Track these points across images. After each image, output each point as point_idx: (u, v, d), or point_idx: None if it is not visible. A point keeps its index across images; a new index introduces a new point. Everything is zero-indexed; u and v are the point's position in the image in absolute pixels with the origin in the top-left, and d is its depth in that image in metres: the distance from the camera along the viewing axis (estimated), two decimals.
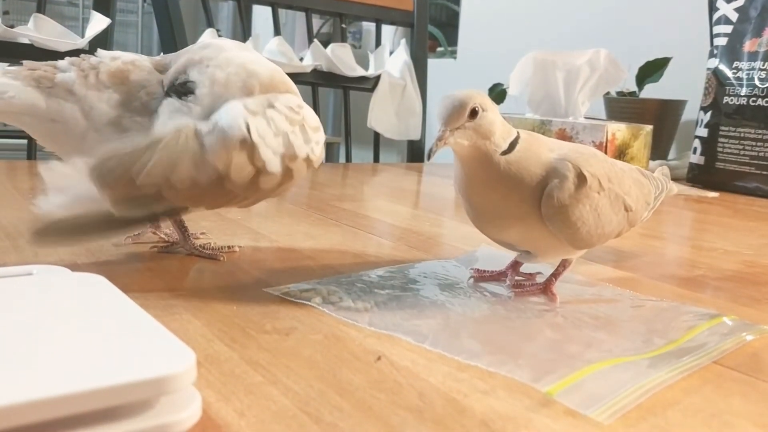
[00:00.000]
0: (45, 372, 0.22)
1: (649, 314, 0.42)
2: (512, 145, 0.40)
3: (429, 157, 0.39)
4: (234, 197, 0.44)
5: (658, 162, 1.26)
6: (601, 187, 0.42)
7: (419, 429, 0.26)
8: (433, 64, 1.69)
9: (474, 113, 0.39)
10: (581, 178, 0.40)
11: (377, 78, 1.35)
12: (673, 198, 0.52)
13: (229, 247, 0.52)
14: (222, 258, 0.49)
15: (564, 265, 0.45)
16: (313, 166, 0.46)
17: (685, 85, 1.42)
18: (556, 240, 0.42)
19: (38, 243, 0.42)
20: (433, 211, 0.77)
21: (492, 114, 0.40)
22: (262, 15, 1.65)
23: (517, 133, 0.41)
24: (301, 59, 1.28)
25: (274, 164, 0.43)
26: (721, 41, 1.11)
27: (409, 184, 1.01)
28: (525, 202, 0.40)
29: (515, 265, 0.47)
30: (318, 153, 0.46)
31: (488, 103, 0.40)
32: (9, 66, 0.46)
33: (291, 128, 0.44)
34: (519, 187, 0.40)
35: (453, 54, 2.36)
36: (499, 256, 0.50)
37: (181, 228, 0.50)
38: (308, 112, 0.46)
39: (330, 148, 2.82)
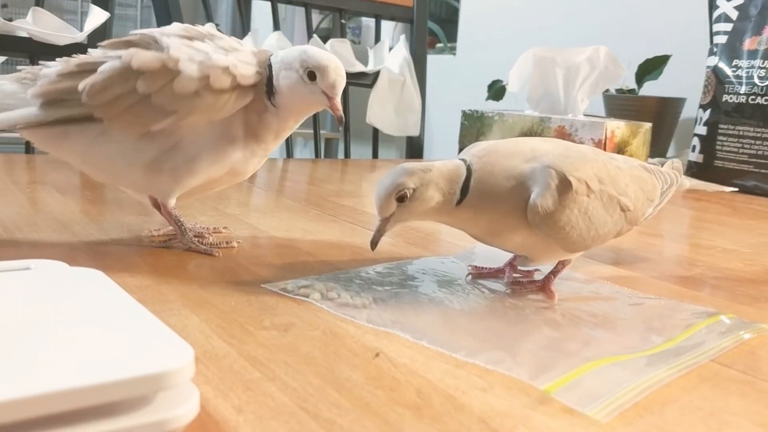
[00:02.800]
0: (42, 367, 0.22)
1: (647, 312, 0.42)
2: (466, 187, 0.40)
3: (373, 248, 0.41)
4: (150, 105, 0.45)
5: (656, 160, 1.26)
6: (590, 190, 0.41)
7: (417, 426, 0.26)
8: (433, 60, 1.69)
9: (401, 199, 0.40)
10: (566, 184, 0.40)
11: (376, 74, 1.35)
12: (673, 196, 0.51)
13: (227, 242, 0.52)
14: (218, 253, 0.49)
15: (563, 263, 0.45)
16: (239, 83, 0.46)
17: (684, 82, 1.42)
18: (551, 245, 0.42)
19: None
20: None
21: (423, 189, 0.39)
22: (261, 9, 1.64)
23: (467, 169, 0.40)
24: None
25: (189, 67, 0.45)
26: (721, 39, 1.11)
27: None
28: (509, 216, 0.40)
29: (513, 263, 0.47)
30: (245, 73, 0.46)
31: (417, 175, 0.39)
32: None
33: (212, 48, 0.46)
34: (495, 209, 0.40)
35: (452, 50, 2.35)
36: (497, 254, 0.50)
37: (178, 222, 0.50)
38: (242, 54, 0.47)
39: (329, 144, 2.81)
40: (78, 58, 0.47)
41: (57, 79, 0.46)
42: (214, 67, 0.45)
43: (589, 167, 0.42)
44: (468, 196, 0.40)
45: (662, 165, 0.54)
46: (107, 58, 0.46)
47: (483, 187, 0.40)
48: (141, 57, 0.45)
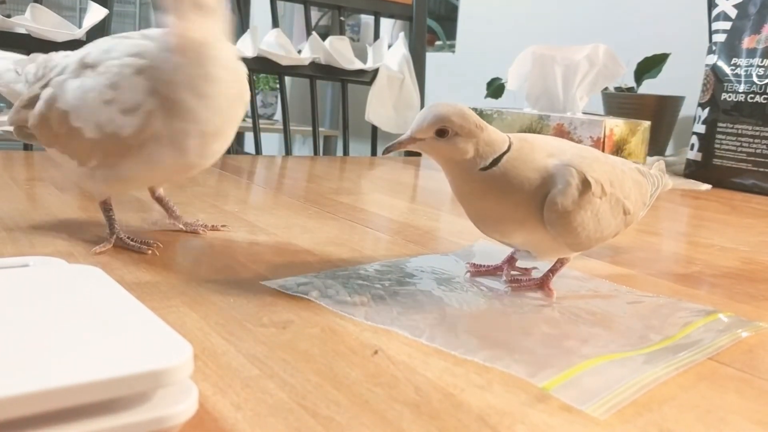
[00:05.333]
0: (41, 365, 0.22)
1: (645, 310, 0.42)
2: (497, 160, 0.40)
3: (384, 153, 0.41)
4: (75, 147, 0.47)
5: (655, 158, 1.26)
6: (604, 192, 0.41)
7: (416, 423, 0.26)
8: (432, 57, 1.69)
9: (441, 133, 0.39)
10: (585, 184, 0.40)
11: (375, 71, 1.35)
12: (670, 194, 0.51)
13: (212, 225, 0.55)
14: (149, 252, 0.48)
15: (562, 262, 0.45)
16: (127, 141, 0.44)
17: (683, 81, 1.42)
18: (556, 242, 0.42)
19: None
20: (431, 205, 0.77)
21: (465, 141, 0.39)
22: (260, 7, 1.64)
23: (509, 145, 0.40)
24: (300, 52, 1.28)
25: (87, 129, 0.45)
26: (720, 38, 1.11)
27: (406, 178, 1.01)
28: (521, 207, 0.40)
29: (511, 260, 0.47)
30: (132, 127, 0.44)
31: (468, 126, 0.39)
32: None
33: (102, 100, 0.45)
34: (509, 194, 0.40)
35: (451, 48, 2.35)
36: (495, 251, 0.50)
37: (109, 219, 0.50)
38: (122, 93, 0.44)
39: (328, 141, 2.81)
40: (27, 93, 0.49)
41: (17, 110, 0.50)
42: (104, 129, 0.45)
43: (603, 170, 0.42)
44: (492, 168, 0.40)
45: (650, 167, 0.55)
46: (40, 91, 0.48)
47: (507, 169, 0.40)
48: (34, 112, 0.48)
